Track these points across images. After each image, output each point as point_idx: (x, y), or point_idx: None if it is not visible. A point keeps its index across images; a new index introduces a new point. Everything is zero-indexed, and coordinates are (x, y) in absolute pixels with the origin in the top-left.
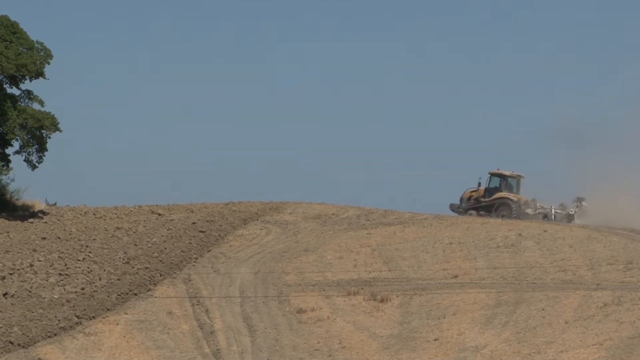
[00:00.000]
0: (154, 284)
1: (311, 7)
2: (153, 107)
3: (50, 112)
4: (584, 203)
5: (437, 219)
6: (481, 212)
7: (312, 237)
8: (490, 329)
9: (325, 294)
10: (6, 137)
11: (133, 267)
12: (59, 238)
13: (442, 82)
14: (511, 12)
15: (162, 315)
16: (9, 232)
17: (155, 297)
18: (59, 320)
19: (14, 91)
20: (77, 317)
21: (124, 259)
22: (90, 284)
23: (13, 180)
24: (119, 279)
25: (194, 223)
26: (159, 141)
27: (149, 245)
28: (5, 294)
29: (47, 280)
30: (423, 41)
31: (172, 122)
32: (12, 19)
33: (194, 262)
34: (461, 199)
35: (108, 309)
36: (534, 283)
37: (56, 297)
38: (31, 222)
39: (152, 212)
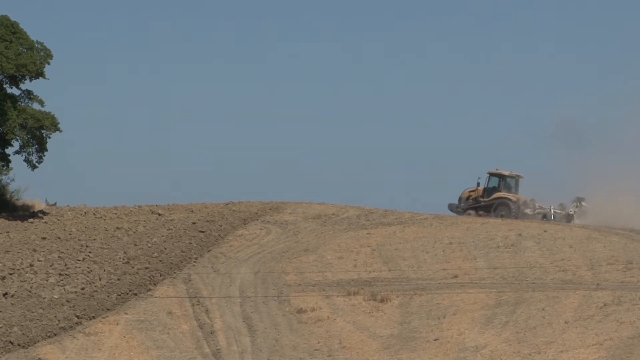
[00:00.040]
0: (154, 284)
1: (311, 7)
2: (153, 107)
3: (50, 112)
4: (583, 203)
5: (437, 219)
6: (480, 212)
7: (312, 237)
8: (490, 329)
9: (325, 294)
10: (6, 137)
11: (133, 267)
12: (59, 238)
13: (442, 82)
14: (511, 12)
15: (162, 315)
16: (9, 232)
17: (155, 297)
18: (59, 320)
19: (14, 91)
20: (77, 317)
21: (124, 259)
22: (90, 284)
23: (13, 180)
24: (119, 279)
25: (194, 223)
26: (159, 141)
27: (149, 245)
28: (5, 294)
29: (47, 280)
30: (423, 41)
31: (172, 122)
32: (12, 19)
33: (194, 262)
34: (460, 199)
35: (108, 309)
36: (534, 283)
37: (56, 297)
38: (31, 222)
39: (152, 212)
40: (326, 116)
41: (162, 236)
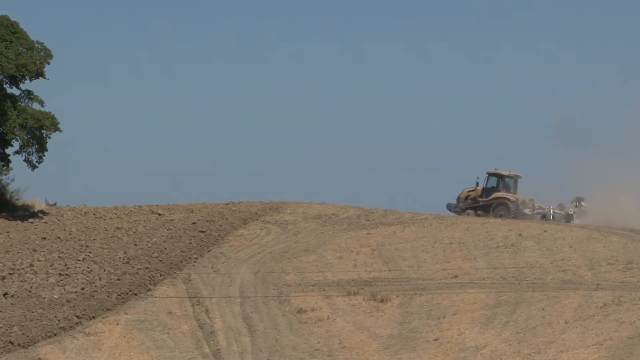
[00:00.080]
0: (154, 284)
1: (311, 7)
2: (153, 107)
3: (50, 112)
4: (582, 203)
5: (437, 219)
6: (478, 212)
7: (312, 237)
8: (490, 329)
9: (325, 294)
10: (6, 137)
11: (133, 267)
12: (59, 238)
13: (442, 82)
14: (511, 12)
15: (162, 315)
16: (9, 232)
17: (155, 297)
18: (59, 320)
19: (14, 91)
20: (77, 317)
21: (124, 259)
22: (90, 284)
23: (13, 180)
24: (119, 279)
25: (194, 223)
26: (159, 141)
27: (149, 245)
28: (5, 294)
29: (47, 280)
30: (423, 41)
31: (172, 122)
32: (12, 19)
33: (194, 262)
34: (458, 199)
35: (108, 309)
36: (534, 283)
37: (56, 297)
38: (31, 222)
39: (152, 212)
40: (326, 116)
41: (162, 236)
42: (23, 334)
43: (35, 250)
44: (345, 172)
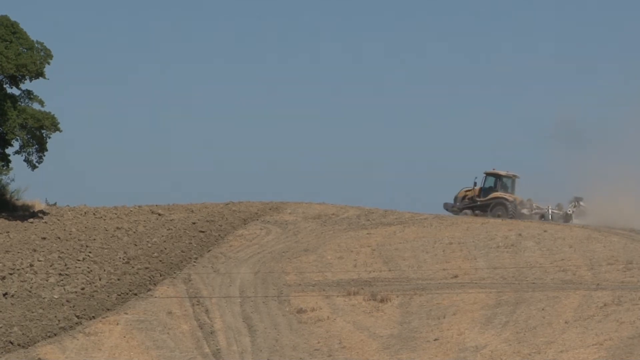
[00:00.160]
0: (154, 284)
1: (311, 7)
2: (153, 107)
3: (50, 112)
4: (581, 203)
5: (437, 219)
6: (476, 212)
7: (312, 237)
8: (490, 329)
9: (325, 294)
10: (6, 137)
11: (133, 267)
12: (59, 238)
13: (442, 82)
14: (511, 12)
15: (162, 315)
16: (9, 232)
17: (155, 297)
18: (59, 320)
19: (14, 91)
20: (77, 317)
21: (124, 259)
22: (90, 284)
23: (13, 180)
24: (119, 279)
25: (194, 223)
26: (159, 141)
27: (149, 245)
28: (5, 294)
29: (47, 280)
30: (423, 41)
31: (172, 122)
32: (12, 19)
33: (194, 262)
34: (455, 198)
35: (108, 309)
36: (534, 283)
37: (56, 297)
38: (31, 222)
39: (152, 212)
40: (326, 116)
41: (162, 236)
42: (23, 334)
43: (35, 250)
44: (345, 172)
